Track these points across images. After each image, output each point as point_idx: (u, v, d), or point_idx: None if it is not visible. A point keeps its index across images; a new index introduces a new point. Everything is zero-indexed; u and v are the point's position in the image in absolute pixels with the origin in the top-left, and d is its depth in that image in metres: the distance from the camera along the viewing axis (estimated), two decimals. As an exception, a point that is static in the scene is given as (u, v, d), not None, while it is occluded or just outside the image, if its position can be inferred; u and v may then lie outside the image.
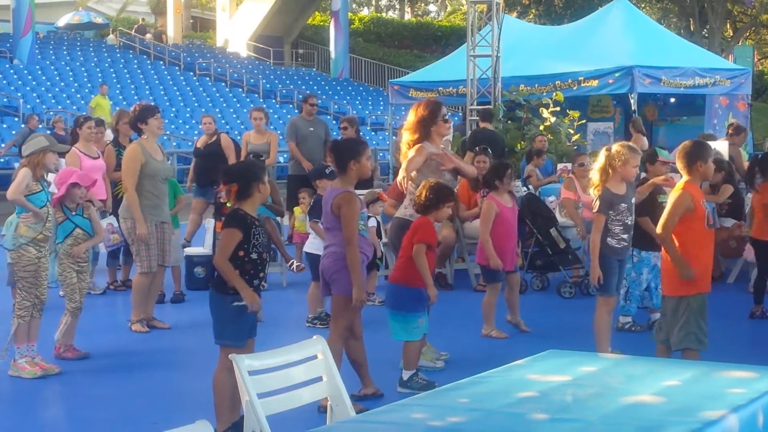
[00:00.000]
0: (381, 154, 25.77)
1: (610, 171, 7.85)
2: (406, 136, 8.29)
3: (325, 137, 14.43)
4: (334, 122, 27.89)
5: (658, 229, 7.13)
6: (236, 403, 6.00)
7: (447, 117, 8.46)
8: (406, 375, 7.61)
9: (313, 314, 9.95)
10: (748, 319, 10.57)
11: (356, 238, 7.01)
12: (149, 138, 9.82)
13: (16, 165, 20.68)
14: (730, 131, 15.22)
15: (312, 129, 14.49)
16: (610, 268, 7.98)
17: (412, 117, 8.29)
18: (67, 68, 34.12)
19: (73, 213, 8.64)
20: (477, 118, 18.00)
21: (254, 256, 6.27)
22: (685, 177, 7.18)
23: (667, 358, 7.35)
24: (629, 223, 8.00)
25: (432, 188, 7.67)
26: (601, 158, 7.93)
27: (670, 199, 7.17)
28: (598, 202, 7.86)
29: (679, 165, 7.24)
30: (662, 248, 7.34)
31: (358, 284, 7.04)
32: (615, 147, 8.02)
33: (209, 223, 12.85)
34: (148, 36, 41.79)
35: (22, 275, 8.13)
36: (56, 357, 8.63)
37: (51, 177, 8.97)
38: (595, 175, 7.98)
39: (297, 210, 12.29)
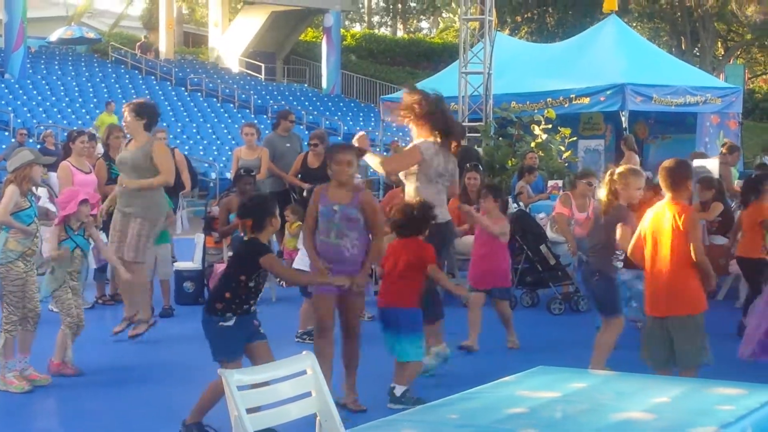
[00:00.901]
0: (371, 171, 25.74)
1: (612, 197, 7.89)
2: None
3: (300, 150, 14.43)
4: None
5: (697, 255, 6.99)
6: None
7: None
8: (399, 391, 7.59)
9: (302, 329, 9.94)
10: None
11: (306, 227, 7.43)
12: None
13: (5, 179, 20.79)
14: (723, 150, 15.23)
15: (288, 145, 14.45)
16: (619, 289, 8.09)
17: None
18: (59, 83, 34.11)
19: (75, 232, 8.64)
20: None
21: (252, 284, 6.64)
22: (669, 195, 7.10)
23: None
24: None
25: (419, 208, 7.73)
26: (605, 181, 7.96)
27: (686, 223, 6.98)
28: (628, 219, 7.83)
29: (663, 184, 7.15)
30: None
31: (315, 265, 7.36)
32: (618, 170, 8.03)
33: (198, 238, 12.85)
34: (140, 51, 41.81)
35: (10, 290, 8.10)
36: (53, 373, 8.56)
37: (41, 191, 8.98)
38: (602, 198, 8.00)
39: (288, 227, 12.26)
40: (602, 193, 7.99)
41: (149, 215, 9.77)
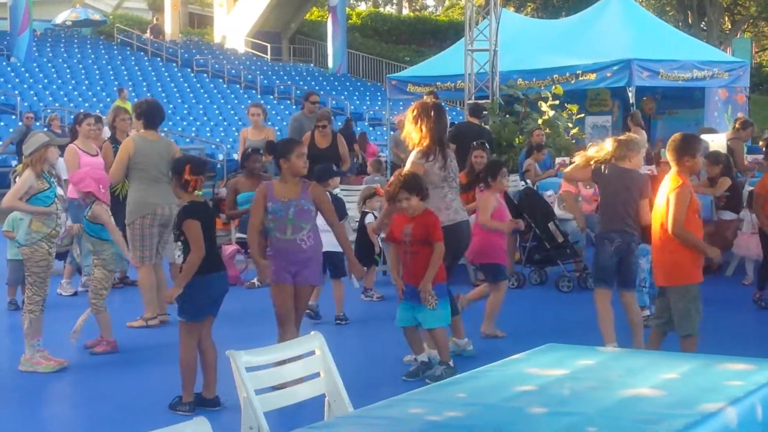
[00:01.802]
0: (380, 149, 25.75)
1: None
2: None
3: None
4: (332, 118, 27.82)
5: (673, 228, 7.10)
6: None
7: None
8: (439, 370, 7.74)
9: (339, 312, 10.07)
10: (746, 311, 10.58)
11: (251, 224, 7.47)
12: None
13: (14, 162, 20.87)
14: (737, 125, 15.14)
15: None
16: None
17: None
18: (65, 65, 34.08)
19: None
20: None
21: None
22: (675, 169, 7.22)
23: (658, 344, 7.41)
24: None
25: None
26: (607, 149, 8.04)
27: (671, 195, 7.16)
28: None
29: (669, 157, 7.32)
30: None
31: (258, 264, 7.56)
32: (611, 143, 8.09)
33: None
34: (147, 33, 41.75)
35: (34, 270, 8.19)
36: (112, 349, 8.85)
37: (62, 171, 9.14)
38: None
39: None
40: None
41: (130, 219, 9.93)
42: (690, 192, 7.16)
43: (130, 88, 32.13)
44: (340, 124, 23.04)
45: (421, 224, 7.69)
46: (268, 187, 7.48)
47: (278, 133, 18.96)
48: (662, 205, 7.25)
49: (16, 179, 8.82)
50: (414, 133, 8.25)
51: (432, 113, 8.22)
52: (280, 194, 7.39)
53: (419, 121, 8.22)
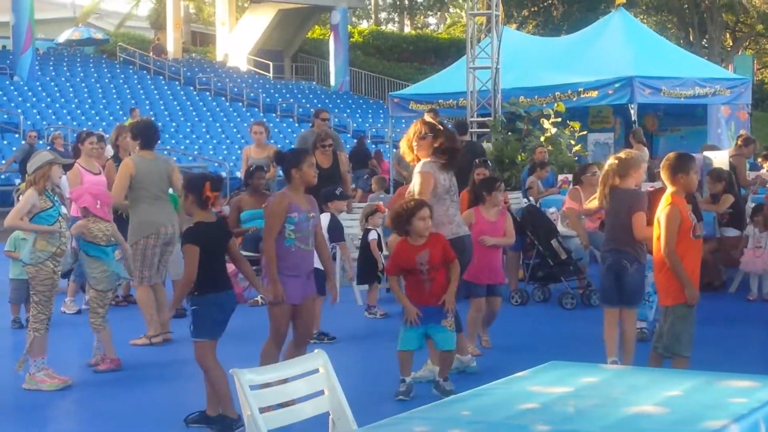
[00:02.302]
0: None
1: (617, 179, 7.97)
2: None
3: (335, 148, 14.39)
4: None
5: (663, 249, 7.11)
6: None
7: (423, 135, 8.39)
8: (448, 384, 7.76)
9: (316, 330, 9.92)
10: (750, 327, 10.58)
11: (270, 241, 7.18)
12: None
13: (17, 181, 20.87)
14: (739, 142, 15.16)
15: None
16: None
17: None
18: (68, 84, 34.18)
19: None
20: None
21: None
22: (670, 189, 7.22)
23: (658, 365, 7.36)
24: None
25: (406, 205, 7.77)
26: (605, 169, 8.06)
27: (661, 216, 7.17)
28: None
29: (663, 176, 7.29)
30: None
31: (273, 282, 7.19)
32: (610, 160, 8.11)
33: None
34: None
35: (39, 289, 8.20)
36: (114, 367, 8.82)
37: (65, 191, 9.19)
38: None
39: None
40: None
41: (133, 239, 9.92)
42: (680, 212, 7.10)
43: (133, 107, 32.19)
44: (348, 145, 23.05)
45: (436, 248, 7.66)
46: (288, 197, 7.30)
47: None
48: (657, 221, 7.28)
49: (19, 198, 8.85)
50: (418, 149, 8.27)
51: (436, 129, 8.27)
52: (301, 205, 7.31)
53: (423, 137, 8.23)
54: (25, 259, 8.27)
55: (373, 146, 31.65)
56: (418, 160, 8.29)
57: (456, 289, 7.78)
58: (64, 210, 8.59)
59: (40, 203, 8.15)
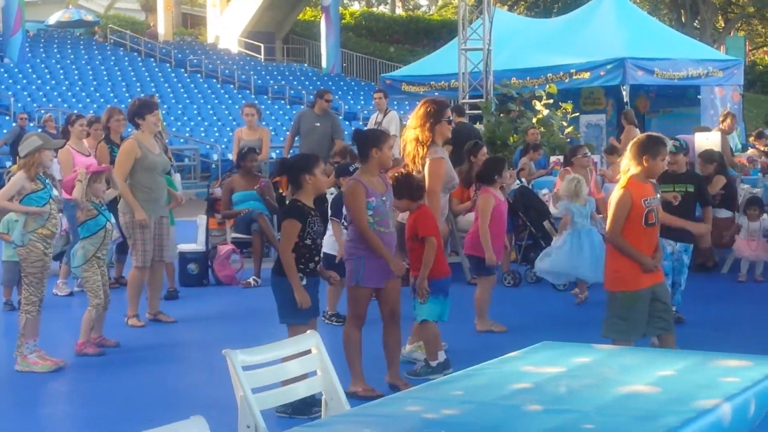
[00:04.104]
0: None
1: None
2: (415, 133, 8.22)
3: (332, 133, 14.36)
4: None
5: (607, 234, 6.97)
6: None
7: (451, 119, 8.39)
8: (423, 368, 7.73)
9: (331, 311, 9.90)
10: (741, 308, 10.62)
11: (364, 223, 7.07)
12: (145, 133, 9.90)
13: (8, 163, 20.81)
14: (720, 119, 15.26)
15: (318, 124, 14.37)
16: None
17: (421, 112, 8.23)
18: (58, 66, 34.05)
19: (102, 208, 8.78)
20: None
21: (308, 242, 6.81)
22: (632, 170, 6.84)
23: (671, 343, 7.18)
24: None
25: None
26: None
27: (611, 199, 6.94)
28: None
29: (630, 154, 6.89)
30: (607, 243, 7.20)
31: (391, 260, 7.13)
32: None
33: (201, 219, 12.85)
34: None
35: (30, 271, 8.19)
36: (77, 353, 8.67)
37: (56, 172, 9.14)
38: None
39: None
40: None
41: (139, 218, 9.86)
42: (631, 198, 6.76)
43: (124, 89, 32.12)
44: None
45: (412, 218, 7.66)
46: (361, 183, 7.16)
47: (273, 133, 18.95)
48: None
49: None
50: (422, 132, 8.18)
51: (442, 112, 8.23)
52: (376, 188, 7.19)
53: (428, 120, 8.17)
54: (16, 240, 8.26)
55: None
56: (425, 143, 8.18)
57: (442, 270, 7.72)
58: (55, 192, 8.57)
59: (31, 185, 8.14)
